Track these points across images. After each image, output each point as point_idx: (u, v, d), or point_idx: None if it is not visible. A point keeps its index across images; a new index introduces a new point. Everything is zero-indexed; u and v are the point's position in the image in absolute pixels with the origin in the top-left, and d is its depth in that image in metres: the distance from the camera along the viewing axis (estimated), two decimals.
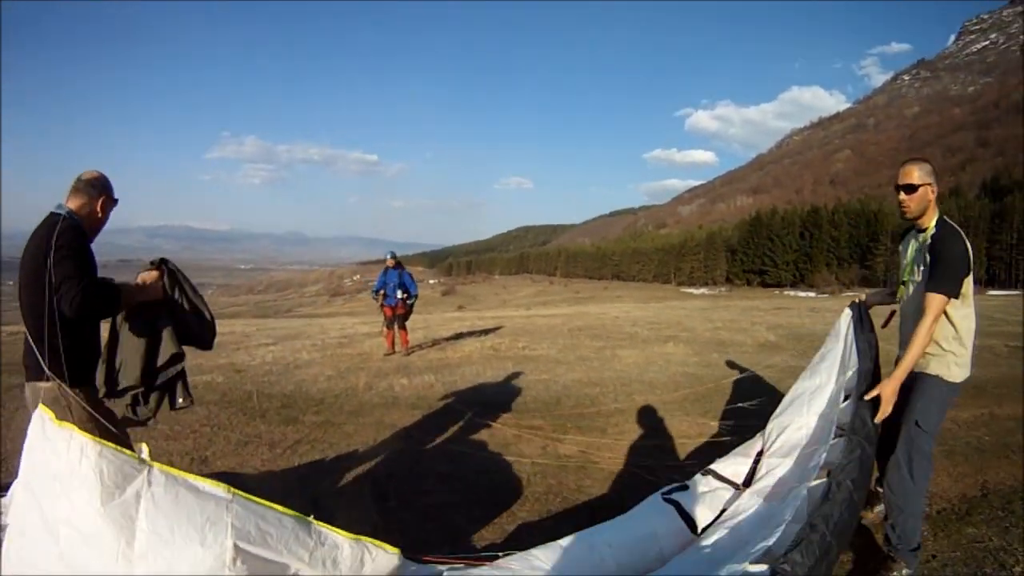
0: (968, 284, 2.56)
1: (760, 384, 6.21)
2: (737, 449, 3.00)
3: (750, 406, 4.89)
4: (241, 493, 1.65)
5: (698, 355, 8.47)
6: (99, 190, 2.45)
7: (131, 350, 2.42)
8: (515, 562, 2.19)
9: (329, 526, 1.77)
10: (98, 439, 1.60)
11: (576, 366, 7.75)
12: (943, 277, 2.50)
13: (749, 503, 2.49)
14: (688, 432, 4.82)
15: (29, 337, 2.22)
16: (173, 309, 2.53)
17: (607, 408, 5.57)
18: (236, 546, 1.56)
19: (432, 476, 3.94)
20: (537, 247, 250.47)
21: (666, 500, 2.62)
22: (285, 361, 8.25)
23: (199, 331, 2.61)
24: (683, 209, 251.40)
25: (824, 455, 2.42)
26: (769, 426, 2.92)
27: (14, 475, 1.84)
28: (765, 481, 2.60)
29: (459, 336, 11.23)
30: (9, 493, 1.98)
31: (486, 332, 11.79)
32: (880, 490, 2.97)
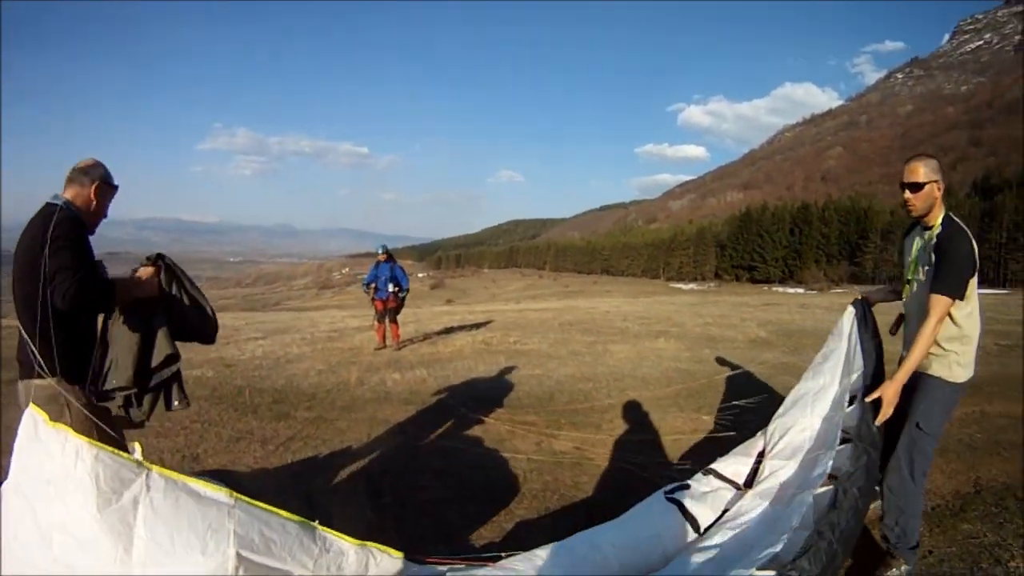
0: (972, 283, 2.50)
1: (752, 380, 6.25)
2: (737, 448, 2.99)
3: (745, 403, 4.91)
4: (244, 498, 1.59)
5: (689, 351, 8.49)
6: (92, 177, 2.36)
7: (124, 349, 2.32)
8: (518, 562, 2.17)
9: (334, 532, 1.73)
10: (94, 442, 1.53)
11: (568, 361, 7.73)
12: (948, 278, 2.43)
13: (752, 505, 2.48)
14: (683, 428, 4.83)
15: (23, 332, 2.14)
16: (170, 307, 2.45)
17: (601, 404, 5.56)
18: (239, 555, 1.50)
19: (427, 472, 3.90)
20: (527, 241, 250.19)
21: (669, 499, 2.60)
22: (275, 355, 8.14)
23: (200, 325, 2.55)
24: (673, 204, 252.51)
25: (830, 461, 2.39)
26: (771, 426, 2.90)
27: (4, 475, 1.78)
28: (768, 483, 2.59)
29: (450, 330, 11.18)
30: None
31: (477, 326, 11.75)
32: (878, 488, 2.98)
